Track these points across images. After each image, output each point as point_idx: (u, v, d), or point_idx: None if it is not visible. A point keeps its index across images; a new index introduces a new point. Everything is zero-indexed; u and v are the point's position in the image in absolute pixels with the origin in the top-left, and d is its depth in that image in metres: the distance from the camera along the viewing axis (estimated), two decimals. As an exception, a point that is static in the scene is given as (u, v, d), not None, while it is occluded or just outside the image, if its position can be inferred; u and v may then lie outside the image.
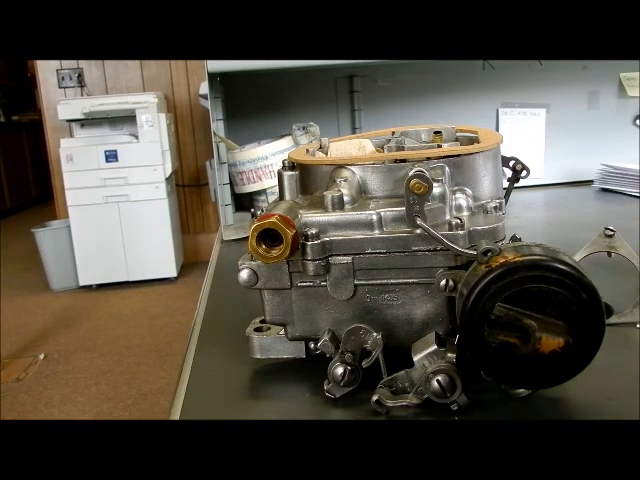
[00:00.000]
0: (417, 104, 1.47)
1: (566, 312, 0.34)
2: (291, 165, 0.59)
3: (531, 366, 0.35)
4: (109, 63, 3.83)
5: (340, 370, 0.49)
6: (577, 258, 0.50)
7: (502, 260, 0.36)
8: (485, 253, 0.37)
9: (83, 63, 3.82)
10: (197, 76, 3.85)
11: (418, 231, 0.49)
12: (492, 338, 0.34)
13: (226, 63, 1.07)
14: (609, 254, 0.57)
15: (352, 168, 0.54)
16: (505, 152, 0.62)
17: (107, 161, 3.44)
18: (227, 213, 1.18)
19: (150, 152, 3.44)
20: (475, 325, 0.34)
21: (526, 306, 0.33)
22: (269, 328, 0.58)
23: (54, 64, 3.80)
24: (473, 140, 0.62)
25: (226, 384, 0.56)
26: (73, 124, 3.62)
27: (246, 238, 0.47)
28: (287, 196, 0.58)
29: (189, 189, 4.08)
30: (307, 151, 0.62)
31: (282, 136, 1.26)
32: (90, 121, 3.55)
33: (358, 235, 0.50)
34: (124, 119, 3.53)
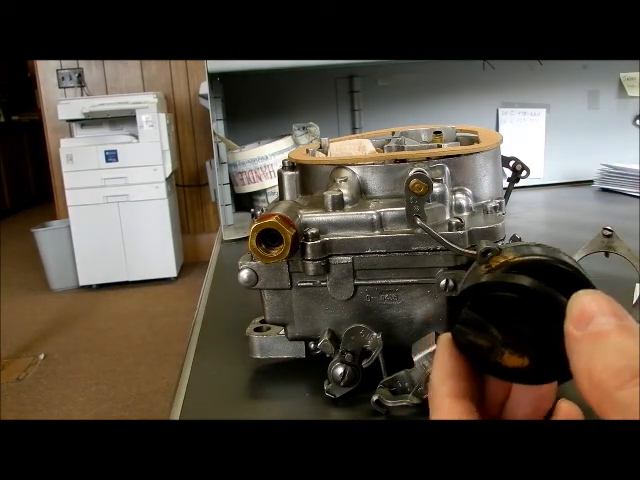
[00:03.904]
0: (417, 104, 1.47)
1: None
2: (291, 165, 0.59)
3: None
4: (109, 63, 3.83)
5: (340, 370, 0.49)
6: (576, 258, 0.50)
7: (502, 260, 0.36)
8: (485, 253, 0.37)
9: (83, 63, 3.82)
10: (197, 76, 3.85)
11: (418, 231, 0.49)
12: (461, 337, 0.32)
13: (226, 63, 1.07)
14: (607, 254, 0.57)
15: (352, 168, 0.54)
16: (505, 152, 0.62)
17: (107, 161, 3.44)
18: (227, 213, 1.18)
19: (150, 152, 3.44)
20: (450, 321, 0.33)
21: (496, 315, 0.31)
22: (269, 328, 0.58)
23: (54, 64, 3.80)
24: (473, 140, 0.63)
25: (226, 384, 0.56)
26: (73, 124, 3.62)
27: (246, 238, 0.47)
28: (287, 196, 0.58)
29: (189, 189, 4.08)
30: (307, 151, 0.62)
31: (282, 136, 1.26)
32: (90, 121, 3.55)
33: (358, 235, 0.50)
34: (124, 119, 3.52)
